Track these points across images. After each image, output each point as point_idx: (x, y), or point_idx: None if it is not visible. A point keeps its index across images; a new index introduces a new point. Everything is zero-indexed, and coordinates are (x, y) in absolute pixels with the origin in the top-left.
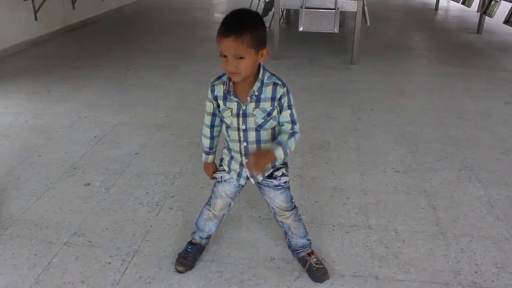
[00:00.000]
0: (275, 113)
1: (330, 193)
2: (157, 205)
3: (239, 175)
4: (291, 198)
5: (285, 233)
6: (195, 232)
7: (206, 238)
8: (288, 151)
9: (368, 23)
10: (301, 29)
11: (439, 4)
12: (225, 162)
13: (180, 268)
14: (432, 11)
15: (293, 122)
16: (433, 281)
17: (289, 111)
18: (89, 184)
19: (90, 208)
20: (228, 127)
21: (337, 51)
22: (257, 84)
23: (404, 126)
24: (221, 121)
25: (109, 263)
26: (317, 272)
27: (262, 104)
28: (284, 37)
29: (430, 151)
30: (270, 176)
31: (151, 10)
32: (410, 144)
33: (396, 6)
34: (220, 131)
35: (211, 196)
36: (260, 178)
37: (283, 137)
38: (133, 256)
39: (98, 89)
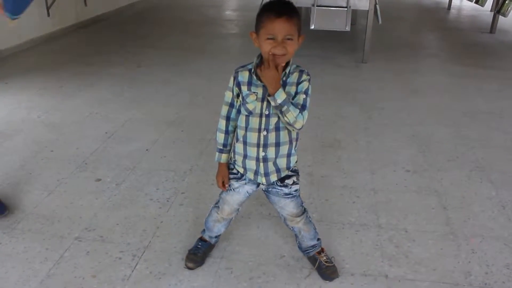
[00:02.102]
0: None
1: (340, 192)
2: (167, 201)
3: (256, 173)
4: (302, 202)
5: (296, 235)
6: (203, 229)
7: (215, 237)
8: (287, 106)
9: (380, 22)
10: (312, 27)
11: (452, 3)
12: (239, 163)
13: (190, 265)
14: (444, 10)
15: (303, 106)
16: (443, 281)
17: (304, 96)
18: (100, 180)
19: (101, 203)
20: (249, 114)
21: (348, 50)
22: (288, 68)
23: (415, 126)
24: (238, 113)
25: (120, 258)
26: (327, 271)
27: (287, 88)
28: None
29: (441, 151)
30: (282, 183)
31: (162, 7)
32: (421, 143)
33: (409, 5)
34: (235, 126)
35: (219, 200)
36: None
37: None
38: (144, 252)
39: (109, 85)
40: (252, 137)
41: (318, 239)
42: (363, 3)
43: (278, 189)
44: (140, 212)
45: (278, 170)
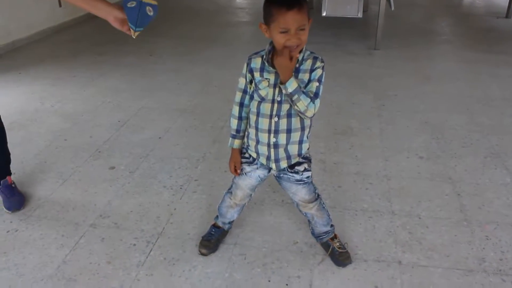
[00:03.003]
0: None
1: (353, 178)
2: (180, 188)
3: (268, 158)
4: (315, 189)
5: (309, 221)
6: (217, 215)
7: (228, 223)
8: (298, 95)
9: (393, 8)
10: (324, 14)
11: None
12: (252, 148)
13: (203, 251)
14: None
15: (315, 94)
16: (457, 267)
17: (317, 83)
18: (113, 168)
19: (115, 191)
20: (261, 101)
21: (360, 37)
22: (301, 55)
23: (429, 113)
24: (251, 99)
25: (134, 244)
26: (340, 257)
27: (300, 75)
28: None
29: (455, 137)
30: (292, 169)
31: None
32: (434, 130)
33: None
34: (248, 112)
35: (232, 185)
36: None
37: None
38: (158, 238)
39: (121, 75)
40: (264, 123)
41: (332, 226)
42: None
43: (289, 175)
44: (154, 199)
45: (288, 157)
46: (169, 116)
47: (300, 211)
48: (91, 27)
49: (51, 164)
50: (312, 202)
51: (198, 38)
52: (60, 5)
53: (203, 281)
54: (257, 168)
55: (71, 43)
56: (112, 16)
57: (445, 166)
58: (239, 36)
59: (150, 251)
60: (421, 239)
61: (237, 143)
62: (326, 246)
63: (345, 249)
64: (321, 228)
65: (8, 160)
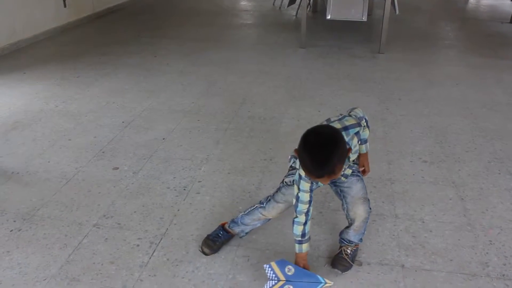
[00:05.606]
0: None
1: None
2: (184, 189)
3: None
4: (367, 194)
5: (347, 226)
6: (233, 222)
7: (246, 233)
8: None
9: (397, 12)
10: (328, 17)
11: None
12: None
13: (206, 250)
14: (463, 0)
15: (367, 126)
16: (460, 271)
17: (365, 133)
18: (117, 168)
19: (118, 191)
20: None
21: (364, 40)
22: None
23: (433, 117)
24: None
25: (138, 245)
26: (338, 260)
27: (352, 156)
28: (312, 26)
29: (459, 142)
30: None
31: None
32: (438, 134)
33: None
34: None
35: (269, 200)
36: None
37: (364, 134)
38: (161, 239)
39: (125, 75)
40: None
41: (360, 240)
42: None
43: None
44: (157, 200)
45: None
46: (173, 117)
47: (347, 216)
48: (95, 28)
49: (55, 164)
50: (365, 204)
51: (202, 39)
52: (65, 6)
53: (206, 282)
54: None
55: (75, 43)
56: None
57: (449, 170)
58: (243, 38)
59: (153, 251)
60: (424, 243)
61: (305, 246)
62: (339, 246)
63: (349, 259)
64: (349, 236)
65: None
